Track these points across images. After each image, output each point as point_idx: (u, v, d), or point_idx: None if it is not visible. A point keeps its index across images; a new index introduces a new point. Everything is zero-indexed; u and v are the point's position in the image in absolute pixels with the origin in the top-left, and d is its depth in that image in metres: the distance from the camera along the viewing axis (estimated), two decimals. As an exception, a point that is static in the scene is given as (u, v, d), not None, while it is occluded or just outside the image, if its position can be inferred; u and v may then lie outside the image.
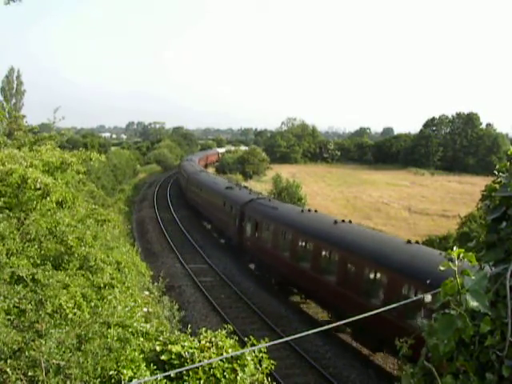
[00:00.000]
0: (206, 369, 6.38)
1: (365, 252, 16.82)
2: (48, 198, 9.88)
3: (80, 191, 19.17)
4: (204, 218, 39.17)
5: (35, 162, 10.57)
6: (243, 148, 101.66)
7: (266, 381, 6.89)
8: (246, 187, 35.93)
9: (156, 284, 15.63)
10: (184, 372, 6.11)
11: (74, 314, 7.21)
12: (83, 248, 9.59)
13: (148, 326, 7.84)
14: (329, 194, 62.11)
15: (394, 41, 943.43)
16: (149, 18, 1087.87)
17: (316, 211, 23.55)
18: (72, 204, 11.30)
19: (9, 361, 5.80)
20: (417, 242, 17.29)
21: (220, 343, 6.95)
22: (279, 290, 23.34)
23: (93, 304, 7.81)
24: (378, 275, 16.41)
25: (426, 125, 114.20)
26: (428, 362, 2.20)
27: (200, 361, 6.32)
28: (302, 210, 23.48)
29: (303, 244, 21.37)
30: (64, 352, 6.14)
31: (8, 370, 5.62)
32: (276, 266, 23.21)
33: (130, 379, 5.92)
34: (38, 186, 9.55)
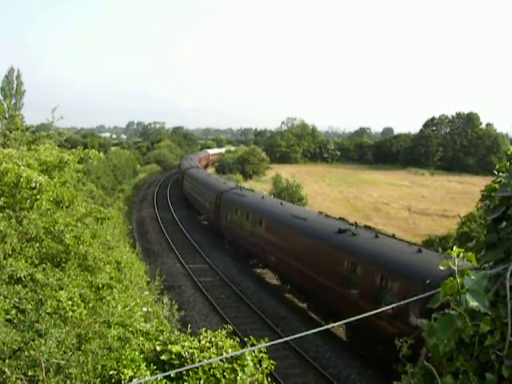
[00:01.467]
0: (206, 369, 6.38)
1: None
2: (40, 197, 9.84)
3: (79, 190, 19.17)
4: (271, 268, 25.47)
5: (31, 161, 10.54)
6: (231, 148, 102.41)
7: (265, 381, 6.89)
8: (373, 228, 19.41)
9: (154, 283, 15.64)
10: (184, 372, 6.11)
11: (73, 312, 7.20)
12: (81, 247, 9.57)
13: (148, 325, 7.84)
14: (329, 194, 62.08)
15: (394, 41, 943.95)
16: (148, 18, 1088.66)
17: None
18: (70, 203, 11.29)
19: (8, 360, 5.80)
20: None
21: (220, 343, 6.95)
22: None
23: (91, 305, 7.80)
24: None
25: (426, 125, 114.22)
26: (428, 362, 2.20)
27: (200, 361, 6.31)
28: None
29: None
30: (64, 351, 6.14)
31: (7, 369, 5.62)
32: None
33: (130, 379, 5.92)
34: (33, 185, 9.53)
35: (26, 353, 5.86)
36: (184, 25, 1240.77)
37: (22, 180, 9.26)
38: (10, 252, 8.47)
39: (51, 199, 10.47)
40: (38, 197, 9.81)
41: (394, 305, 3.22)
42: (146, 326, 7.75)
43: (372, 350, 15.77)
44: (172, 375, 6.07)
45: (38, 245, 9.20)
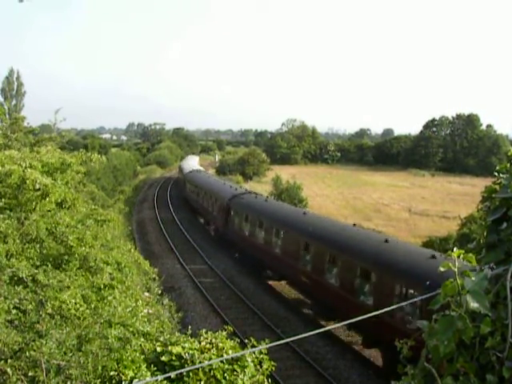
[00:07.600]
0: (207, 370, 6.37)
1: None
2: (47, 199, 9.88)
3: (80, 192, 19.19)
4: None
5: (34, 163, 10.58)
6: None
7: (266, 382, 6.89)
8: None
9: (155, 284, 15.65)
10: (184, 373, 6.11)
11: (75, 314, 7.21)
12: (83, 248, 9.59)
13: (149, 326, 7.85)
14: (329, 195, 62.09)
15: (394, 42, 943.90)
16: (148, 17, 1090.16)
17: None
18: (72, 205, 11.31)
19: (9, 361, 5.81)
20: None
21: (220, 344, 6.94)
22: None
23: (93, 306, 7.81)
24: None
25: (427, 126, 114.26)
26: (428, 363, 2.20)
27: (200, 362, 6.31)
28: None
29: None
30: (64, 352, 6.15)
31: (9, 370, 5.63)
32: None
33: (131, 380, 5.91)
34: (37, 186, 9.55)
35: (27, 353, 5.86)
36: (184, 25, 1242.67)
37: (27, 182, 9.29)
38: (14, 252, 8.48)
39: (60, 201, 10.52)
40: (47, 199, 9.83)
41: (394, 306, 3.22)
42: (146, 326, 7.75)
43: None
44: (172, 376, 6.07)
45: (39, 246, 9.21)
